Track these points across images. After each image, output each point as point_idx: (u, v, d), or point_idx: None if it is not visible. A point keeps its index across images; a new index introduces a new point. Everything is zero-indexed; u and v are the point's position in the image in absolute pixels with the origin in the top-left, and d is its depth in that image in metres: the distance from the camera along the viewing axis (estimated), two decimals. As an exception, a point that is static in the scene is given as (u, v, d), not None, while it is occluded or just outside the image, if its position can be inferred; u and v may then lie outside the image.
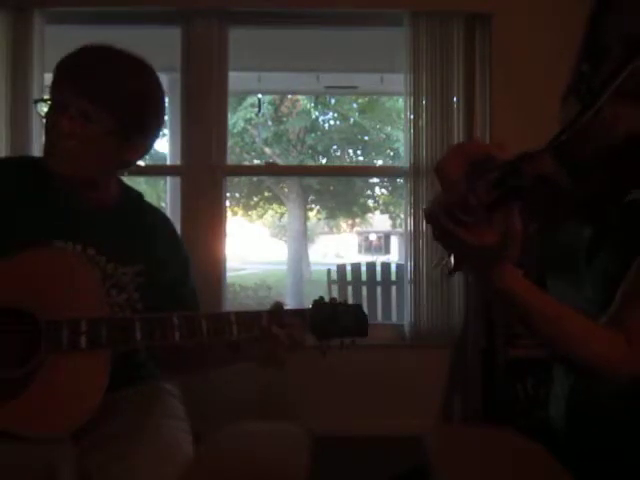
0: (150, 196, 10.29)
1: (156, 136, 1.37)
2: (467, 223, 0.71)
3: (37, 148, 2.53)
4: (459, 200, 0.70)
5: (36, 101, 1.37)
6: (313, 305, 1.32)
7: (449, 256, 0.80)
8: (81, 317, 1.13)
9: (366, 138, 11.24)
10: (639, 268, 0.85)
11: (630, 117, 0.80)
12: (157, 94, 1.33)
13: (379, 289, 6.72)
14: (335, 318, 1.31)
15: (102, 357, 1.15)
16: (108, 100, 1.22)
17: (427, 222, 0.75)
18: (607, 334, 0.83)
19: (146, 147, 1.35)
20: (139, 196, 1.44)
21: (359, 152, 11.73)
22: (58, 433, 1.11)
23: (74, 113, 1.21)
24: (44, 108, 1.27)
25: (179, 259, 1.44)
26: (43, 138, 1.28)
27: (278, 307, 1.28)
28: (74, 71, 1.24)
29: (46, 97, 1.27)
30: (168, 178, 3.46)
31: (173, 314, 1.19)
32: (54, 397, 1.12)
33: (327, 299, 1.32)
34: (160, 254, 1.37)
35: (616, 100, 0.76)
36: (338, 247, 19.21)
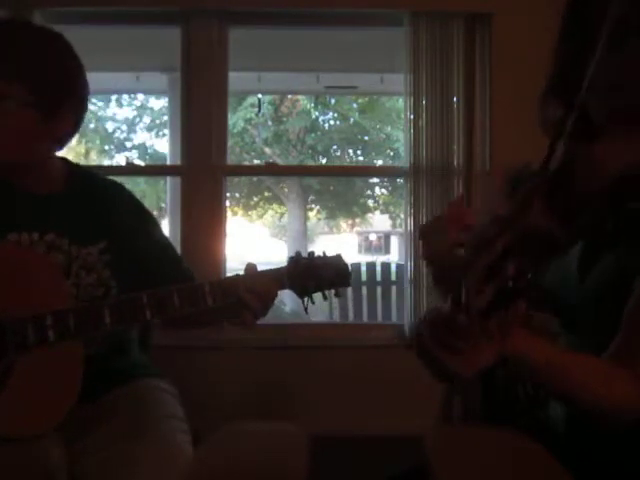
0: (150, 196, 10.27)
1: (83, 106, 1.29)
2: (459, 348, 0.66)
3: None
4: (450, 317, 0.64)
5: None
6: (289, 262, 1.28)
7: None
8: (45, 312, 1.11)
9: (366, 138, 11.23)
10: None
11: (620, 153, 0.71)
12: (68, 57, 1.25)
13: (379, 289, 6.70)
14: (313, 272, 1.27)
15: (74, 347, 1.14)
16: (16, 71, 1.16)
17: (415, 343, 0.72)
18: (624, 374, 0.80)
19: (75, 119, 1.28)
20: (89, 173, 1.40)
21: (359, 152, 11.72)
22: (40, 430, 1.10)
23: None
24: None
25: (145, 226, 1.39)
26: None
27: (252, 271, 1.25)
28: None
29: None
30: (168, 178, 3.46)
31: (143, 293, 1.16)
32: (31, 394, 1.11)
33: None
34: (122, 226, 1.32)
35: (606, 133, 0.70)
36: (338, 247, 19.15)
